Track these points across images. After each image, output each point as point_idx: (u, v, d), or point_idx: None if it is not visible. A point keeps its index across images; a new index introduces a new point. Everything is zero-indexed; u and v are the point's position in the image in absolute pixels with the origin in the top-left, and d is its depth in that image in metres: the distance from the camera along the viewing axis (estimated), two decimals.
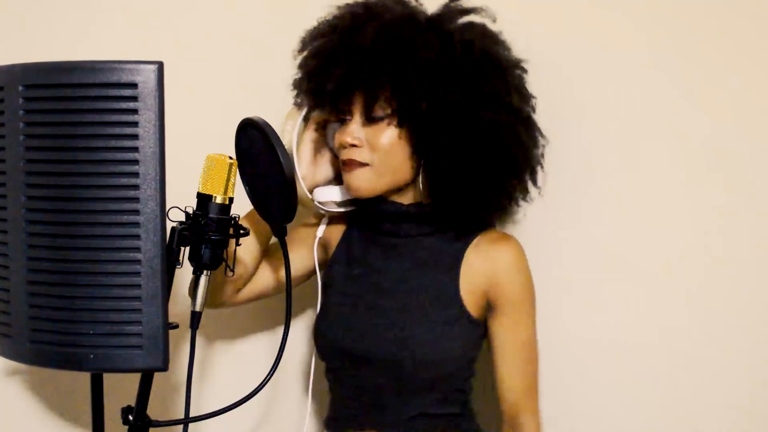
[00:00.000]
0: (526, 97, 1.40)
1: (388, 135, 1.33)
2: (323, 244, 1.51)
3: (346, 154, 1.35)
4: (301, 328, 1.75)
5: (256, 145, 1.17)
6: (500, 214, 1.48)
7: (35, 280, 1.05)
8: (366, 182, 1.35)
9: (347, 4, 1.40)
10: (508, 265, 1.36)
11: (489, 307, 1.37)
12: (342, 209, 1.44)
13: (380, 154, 1.33)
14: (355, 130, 1.35)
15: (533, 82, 1.42)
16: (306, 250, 1.49)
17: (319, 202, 1.44)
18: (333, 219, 1.50)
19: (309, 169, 1.44)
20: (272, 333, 1.74)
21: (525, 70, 1.42)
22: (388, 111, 1.32)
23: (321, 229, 1.49)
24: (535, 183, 1.43)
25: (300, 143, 1.45)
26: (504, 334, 1.37)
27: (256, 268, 1.45)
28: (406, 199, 1.39)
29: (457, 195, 1.33)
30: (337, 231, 1.49)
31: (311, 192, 1.44)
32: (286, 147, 1.43)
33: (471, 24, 1.38)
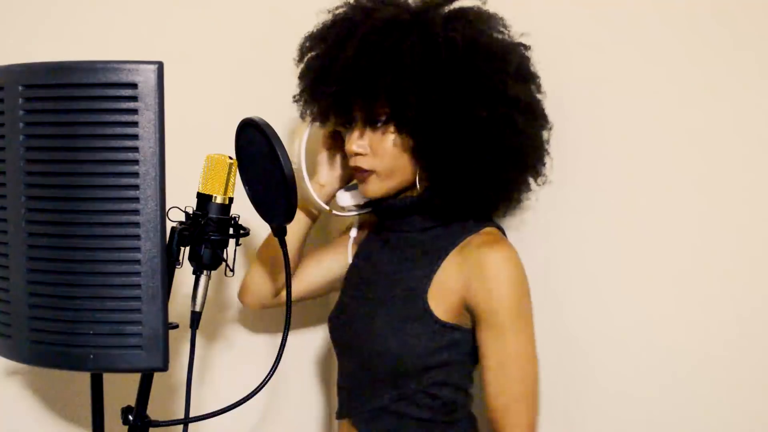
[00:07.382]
0: (527, 79, 1.37)
1: (390, 140, 1.36)
2: (358, 245, 1.55)
3: (353, 162, 1.39)
4: (304, 328, 1.75)
5: (256, 145, 1.17)
6: (507, 205, 1.44)
7: (35, 280, 1.05)
8: (376, 187, 1.38)
9: (336, 10, 1.40)
10: (488, 273, 1.30)
11: (471, 315, 1.34)
12: (362, 211, 1.50)
13: (384, 159, 1.36)
14: (358, 137, 1.38)
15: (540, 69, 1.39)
16: (344, 254, 1.55)
17: (341, 207, 1.48)
18: (365, 221, 1.56)
19: (328, 176, 1.48)
20: (272, 333, 1.74)
21: (527, 47, 1.38)
22: (384, 117, 1.34)
23: (354, 231, 1.55)
24: (540, 172, 1.42)
25: (317, 152, 1.49)
26: (486, 347, 1.32)
27: (294, 269, 1.51)
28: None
29: (459, 194, 1.34)
30: (366, 232, 1.55)
31: (334, 197, 1.48)
32: (295, 160, 1.45)
33: (459, 12, 1.36)
